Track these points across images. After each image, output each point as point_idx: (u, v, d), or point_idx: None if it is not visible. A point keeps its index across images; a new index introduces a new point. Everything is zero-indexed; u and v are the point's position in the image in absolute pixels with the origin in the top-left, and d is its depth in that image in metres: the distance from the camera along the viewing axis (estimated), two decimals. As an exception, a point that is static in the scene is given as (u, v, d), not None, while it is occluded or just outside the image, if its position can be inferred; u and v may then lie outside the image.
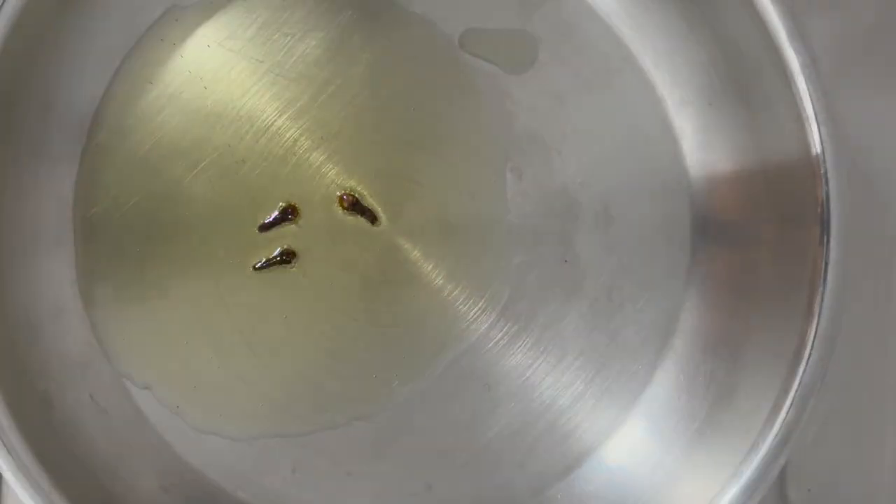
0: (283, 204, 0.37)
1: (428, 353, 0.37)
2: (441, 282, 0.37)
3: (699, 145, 0.38)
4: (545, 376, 0.37)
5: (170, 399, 0.37)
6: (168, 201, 0.37)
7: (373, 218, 0.37)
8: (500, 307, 0.37)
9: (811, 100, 0.33)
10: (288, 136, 0.37)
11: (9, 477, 0.32)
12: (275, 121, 0.37)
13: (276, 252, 0.37)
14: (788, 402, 0.33)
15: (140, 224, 0.37)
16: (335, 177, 0.37)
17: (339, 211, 0.37)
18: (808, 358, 0.33)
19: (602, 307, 0.38)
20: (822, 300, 0.33)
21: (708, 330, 0.37)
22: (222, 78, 0.37)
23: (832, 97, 0.33)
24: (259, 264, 0.37)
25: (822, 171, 0.33)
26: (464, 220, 0.37)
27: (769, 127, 0.35)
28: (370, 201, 0.37)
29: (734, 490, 0.33)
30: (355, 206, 0.37)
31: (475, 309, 0.37)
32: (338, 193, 0.37)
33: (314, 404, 0.37)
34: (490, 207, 0.37)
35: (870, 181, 0.41)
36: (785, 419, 0.33)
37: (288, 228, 0.37)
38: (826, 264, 0.33)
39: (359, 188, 0.37)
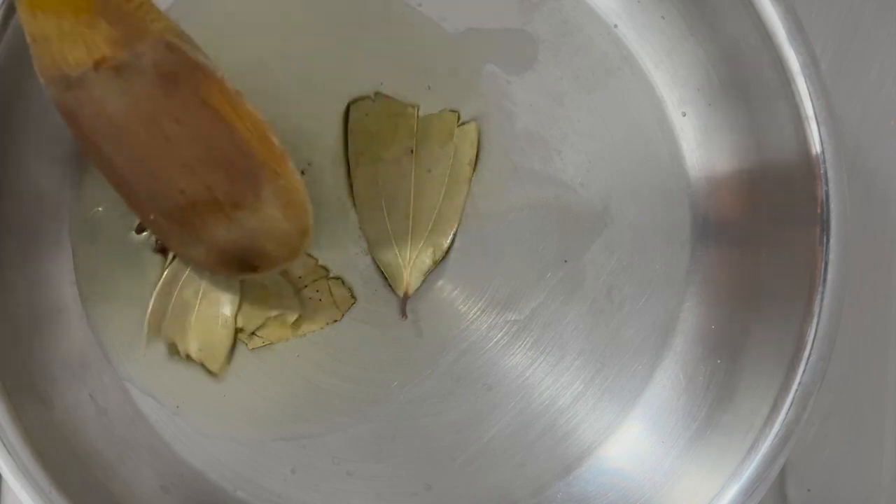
0: None
1: (428, 353, 0.37)
2: (441, 281, 0.37)
3: (699, 145, 0.38)
4: (545, 376, 0.38)
5: (170, 399, 0.37)
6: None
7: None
8: (499, 307, 0.37)
9: (811, 100, 0.33)
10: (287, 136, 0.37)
11: (9, 477, 0.32)
12: (274, 121, 0.37)
13: None
14: (788, 402, 0.33)
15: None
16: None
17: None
18: (808, 358, 0.33)
19: (602, 307, 0.38)
20: (822, 300, 0.33)
21: (708, 330, 0.37)
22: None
23: (832, 97, 0.33)
24: None
25: (821, 171, 0.33)
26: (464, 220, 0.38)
27: (769, 127, 0.35)
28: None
29: (734, 490, 0.33)
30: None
31: (475, 309, 0.37)
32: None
33: (314, 405, 0.37)
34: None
35: (870, 181, 0.41)
36: (785, 419, 0.33)
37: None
38: (826, 264, 0.33)
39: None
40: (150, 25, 0.30)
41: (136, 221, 0.36)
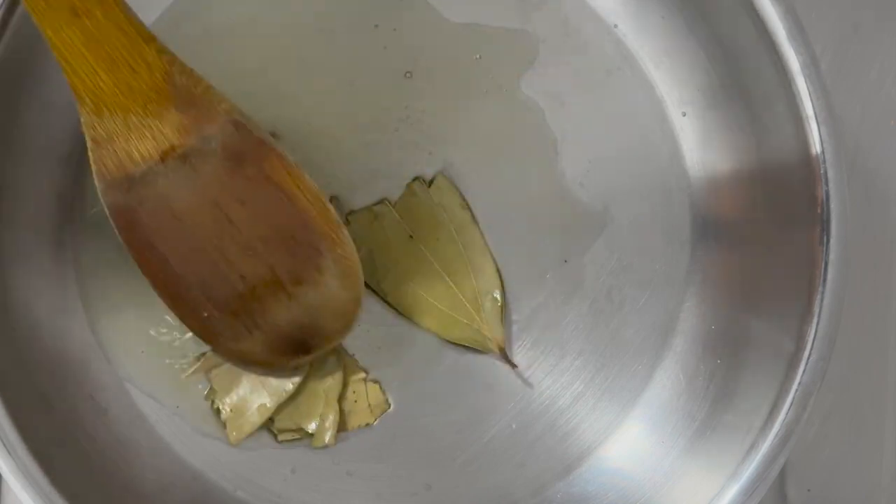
0: None
1: (428, 353, 0.37)
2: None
3: (699, 145, 0.38)
4: (545, 376, 0.37)
5: (170, 400, 0.37)
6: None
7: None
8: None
9: (811, 100, 0.33)
10: (288, 136, 0.37)
11: (9, 477, 0.31)
12: (275, 121, 0.37)
13: None
14: (788, 402, 0.33)
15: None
16: (335, 175, 0.37)
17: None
18: (808, 358, 0.33)
19: (602, 307, 0.38)
20: (822, 300, 0.33)
21: (708, 330, 0.37)
22: (222, 78, 0.37)
23: (832, 97, 0.33)
24: None
25: (821, 171, 0.33)
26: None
27: (769, 127, 0.35)
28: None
29: (734, 490, 0.33)
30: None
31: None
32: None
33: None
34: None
35: (870, 181, 0.41)
36: (784, 419, 0.33)
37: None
38: (826, 264, 0.33)
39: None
40: (218, 106, 0.30)
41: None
